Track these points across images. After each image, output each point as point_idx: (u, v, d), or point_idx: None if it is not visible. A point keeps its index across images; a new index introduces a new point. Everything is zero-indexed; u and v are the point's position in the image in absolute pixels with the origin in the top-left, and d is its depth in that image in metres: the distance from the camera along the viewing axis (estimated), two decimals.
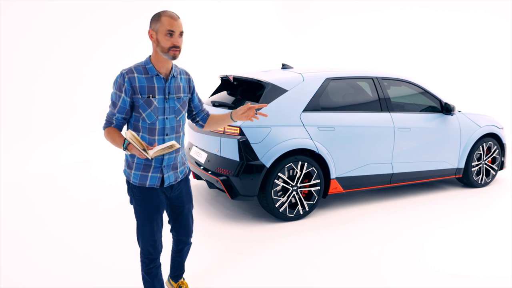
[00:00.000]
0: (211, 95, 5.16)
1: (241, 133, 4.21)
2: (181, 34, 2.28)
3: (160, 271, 2.56)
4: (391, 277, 3.34)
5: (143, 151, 2.08)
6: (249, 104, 2.52)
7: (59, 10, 8.99)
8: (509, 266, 3.53)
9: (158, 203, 2.44)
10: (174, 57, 2.27)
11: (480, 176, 5.66)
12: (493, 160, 5.77)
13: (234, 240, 3.98)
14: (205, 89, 11.03)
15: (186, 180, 2.62)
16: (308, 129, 4.41)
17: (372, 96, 4.91)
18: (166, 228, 4.25)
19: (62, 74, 8.90)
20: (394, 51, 12.48)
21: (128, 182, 2.46)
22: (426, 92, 5.29)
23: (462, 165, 5.49)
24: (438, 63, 11.84)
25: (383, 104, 4.92)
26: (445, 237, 4.10)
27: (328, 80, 4.66)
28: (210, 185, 4.53)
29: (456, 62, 11.66)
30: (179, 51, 2.28)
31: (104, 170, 6.35)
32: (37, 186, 5.59)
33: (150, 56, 2.36)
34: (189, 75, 2.57)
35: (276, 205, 4.32)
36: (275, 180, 4.27)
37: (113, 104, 2.32)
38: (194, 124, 2.96)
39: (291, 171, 4.36)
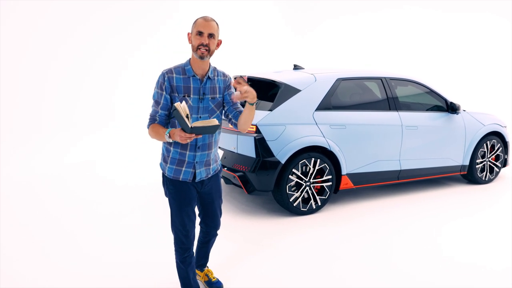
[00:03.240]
0: None
1: (257, 131, 4.42)
2: (211, 35, 2.40)
3: (194, 260, 2.75)
4: (404, 266, 3.55)
5: (186, 118, 2.19)
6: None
7: (63, 10, 9.13)
8: None
9: (190, 196, 2.61)
10: (202, 56, 2.41)
11: (484, 173, 5.86)
12: (497, 158, 5.97)
13: (251, 233, 4.19)
14: None
15: (216, 177, 2.77)
16: (321, 127, 4.62)
17: (381, 95, 5.12)
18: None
19: (67, 73, 9.07)
20: (400, 51, 12.66)
21: (163, 175, 2.64)
22: (432, 92, 5.49)
23: (467, 162, 5.69)
24: (443, 64, 12.03)
25: (391, 103, 5.13)
26: (453, 230, 4.31)
27: (339, 80, 4.87)
28: (227, 181, 4.74)
29: (461, 62, 11.84)
30: (208, 51, 2.41)
31: (111, 169, 6.48)
32: (45, 185, 5.65)
33: (189, 59, 2.55)
34: (227, 77, 2.65)
35: (290, 200, 4.53)
36: (289, 176, 4.48)
37: (156, 102, 2.51)
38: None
39: (304, 167, 4.57)
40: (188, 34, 2.50)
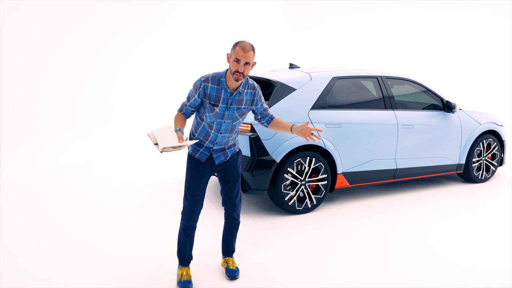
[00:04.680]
0: None
1: (252, 130, 4.39)
2: (247, 64, 2.75)
3: (194, 234, 3.14)
4: (398, 265, 3.53)
5: (154, 145, 2.51)
6: (308, 123, 3.00)
7: (63, 10, 9.09)
8: (509, 257, 3.73)
9: (202, 172, 3.04)
10: (237, 80, 2.78)
11: (481, 171, 5.85)
12: (493, 156, 5.96)
13: (246, 232, 4.17)
14: None
15: (232, 158, 3.11)
16: (316, 126, 4.59)
17: (377, 94, 5.10)
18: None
19: (66, 74, 9.03)
20: (397, 50, 12.65)
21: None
22: (428, 91, 5.47)
23: (463, 161, 5.68)
24: (439, 62, 12.03)
25: (387, 102, 5.11)
26: (448, 229, 4.29)
27: (335, 79, 4.85)
28: None
29: (457, 61, 11.84)
30: (243, 76, 2.77)
31: (110, 169, 6.43)
32: (44, 184, 5.62)
33: (227, 69, 2.87)
34: (256, 89, 3.00)
35: (286, 199, 4.51)
36: (285, 175, 4.46)
37: (188, 98, 2.97)
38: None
39: (299, 166, 4.55)
40: (227, 54, 2.84)
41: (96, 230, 4.20)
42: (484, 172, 5.88)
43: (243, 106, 2.95)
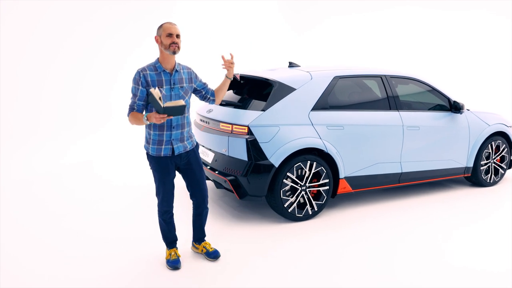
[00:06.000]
0: None
1: (249, 132, 4.18)
2: (178, 36, 3.06)
3: (173, 219, 3.39)
4: (405, 274, 3.31)
5: (158, 100, 2.76)
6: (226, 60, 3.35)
7: (63, 10, 9.00)
8: None
9: (168, 170, 3.21)
10: (174, 52, 3.04)
11: (489, 175, 5.61)
12: (502, 159, 5.72)
13: (243, 240, 3.96)
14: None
15: (193, 151, 3.30)
16: (317, 128, 4.38)
17: (381, 94, 4.88)
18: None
19: (65, 74, 8.92)
20: (400, 50, 12.44)
21: (147, 154, 3.24)
22: (434, 90, 5.25)
23: (471, 164, 5.45)
24: (446, 61, 11.80)
25: (391, 102, 4.89)
26: (457, 236, 4.07)
27: (337, 78, 4.63)
28: (218, 185, 4.50)
29: (465, 60, 11.62)
30: (178, 47, 3.06)
31: (108, 169, 6.39)
32: (44, 184, 5.64)
33: (158, 58, 3.13)
34: (190, 69, 3.28)
35: (285, 205, 4.29)
36: (284, 180, 4.24)
37: (134, 95, 3.09)
38: (208, 103, 3.81)
39: (299, 170, 4.33)
40: (156, 37, 3.09)
41: (96, 229, 4.17)
42: (493, 175, 5.65)
43: (184, 84, 3.19)
